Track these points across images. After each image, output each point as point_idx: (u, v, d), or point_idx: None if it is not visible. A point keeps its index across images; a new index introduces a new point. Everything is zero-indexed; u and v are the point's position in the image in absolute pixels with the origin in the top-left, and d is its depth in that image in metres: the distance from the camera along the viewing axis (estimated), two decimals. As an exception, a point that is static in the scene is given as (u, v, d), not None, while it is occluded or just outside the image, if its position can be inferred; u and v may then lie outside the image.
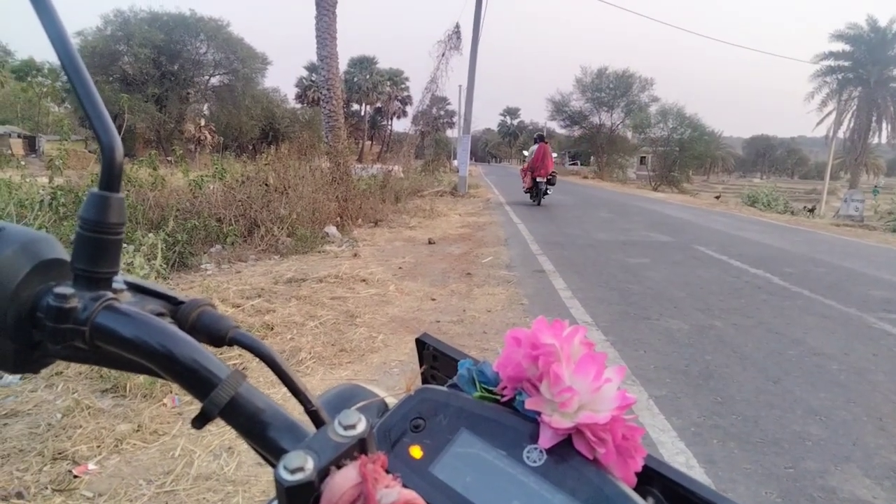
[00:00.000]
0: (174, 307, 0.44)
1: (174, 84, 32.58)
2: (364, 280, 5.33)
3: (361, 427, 0.35)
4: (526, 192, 15.48)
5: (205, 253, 6.15)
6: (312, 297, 4.61)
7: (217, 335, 0.42)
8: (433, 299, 4.89)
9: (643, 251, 8.00)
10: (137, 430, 2.46)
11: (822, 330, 4.43)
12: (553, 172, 14.70)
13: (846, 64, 39.67)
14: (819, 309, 5.08)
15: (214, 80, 35.75)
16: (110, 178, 0.39)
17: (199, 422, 0.38)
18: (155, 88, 31.19)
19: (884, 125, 39.70)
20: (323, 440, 0.34)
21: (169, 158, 9.84)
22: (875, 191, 24.77)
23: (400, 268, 6.12)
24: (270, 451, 0.38)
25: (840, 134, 38.43)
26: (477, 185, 21.91)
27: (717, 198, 27.72)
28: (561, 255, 7.31)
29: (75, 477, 2.10)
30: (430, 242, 7.97)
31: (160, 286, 0.45)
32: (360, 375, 3.24)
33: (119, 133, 0.41)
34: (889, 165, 71.49)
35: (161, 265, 5.17)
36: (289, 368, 0.41)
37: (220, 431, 2.46)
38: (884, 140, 40.70)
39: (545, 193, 14.84)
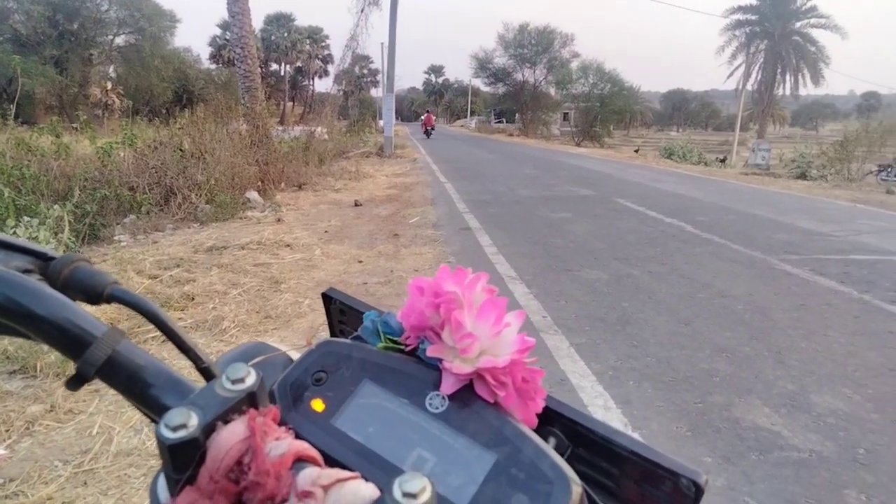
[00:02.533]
0: (44, 263, 0.41)
1: (74, 45, 30.10)
2: (288, 245, 5.23)
3: (251, 381, 0.33)
4: (424, 133, 32.28)
5: (118, 224, 5.84)
6: (235, 265, 4.48)
7: (93, 292, 0.40)
8: (360, 261, 4.86)
9: (566, 206, 8.19)
10: (51, 411, 2.35)
11: (730, 273, 4.70)
12: (433, 125, 33.50)
13: (753, 18, 41.26)
14: (727, 254, 5.38)
15: (119, 40, 33.22)
16: None
17: (74, 383, 0.36)
18: (53, 49, 28.70)
19: (787, 77, 41.81)
20: (209, 395, 0.32)
21: (74, 125, 9.16)
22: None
23: (326, 231, 6.03)
24: (154, 410, 0.36)
25: (749, 86, 40.22)
26: (404, 146, 21.68)
27: (637, 151, 28.57)
28: (487, 213, 7.40)
29: (-19, 464, 1.99)
30: (356, 205, 7.87)
31: (28, 242, 0.42)
32: (286, 341, 3.19)
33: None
34: (793, 116, 75.56)
35: (69, 239, 4.89)
36: (175, 324, 0.40)
37: (140, 407, 2.38)
38: (787, 91, 42.92)
39: (430, 133, 31.80)
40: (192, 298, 3.71)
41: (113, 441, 2.16)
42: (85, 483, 1.93)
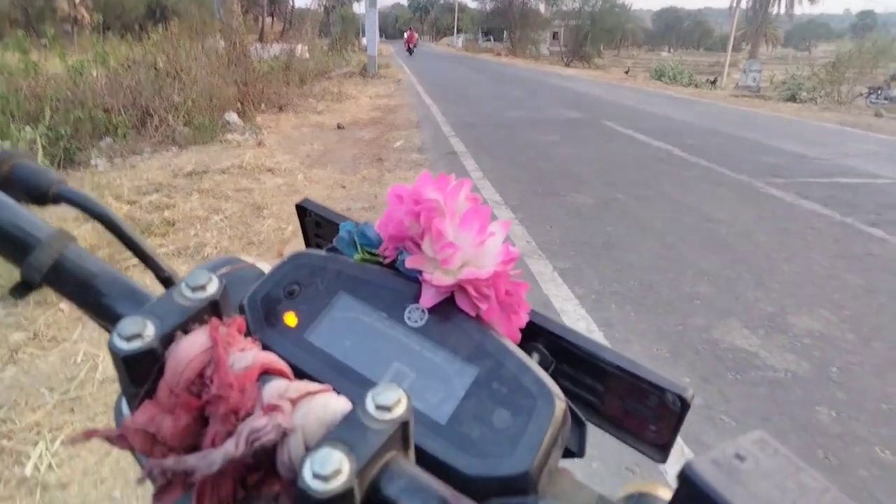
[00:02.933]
0: None
1: (34, -47, 28.32)
2: (270, 170, 5.12)
3: (212, 288, 0.31)
4: (406, 50, 33.03)
5: (94, 147, 5.67)
6: (216, 190, 4.40)
7: (37, 192, 0.37)
8: (343, 186, 4.78)
9: (553, 128, 8.06)
10: (34, 339, 2.34)
11: (716, 197, 4.70)
12: (416, 43, 34.15)
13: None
14: (714, 177, 5.36)
15: (83, -52, 31.28)
16: None
17: (19, 291, 0.33)
18: (11, -42, 27.03)
19: (784, -6, 40.64)
20: (167, 304, 0.30)
21: (42, 41, 8.75)
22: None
23: (308, 155, 5.91)
24: (108, 320, 0.34)
25: (743, 4, 39.05)
26: (388, 65, 21.02)
27: (627, 72, 27.98)
28: (473, 136, 7.26)
29: (-35, 392, 1.99)
30: (339, 127, 7.69)
31: None
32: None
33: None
34: (786, 36, 73.98)
35: (43, 163, 4.75)
36: (131, 229, 0.37)
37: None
38: (782, 10, 41.83)
39: (412, 51, 32.42)
40: (173, 224, 3.65)
41: (98, 368, 2.16)
42: (72, 410, 1.94)
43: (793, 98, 15.31)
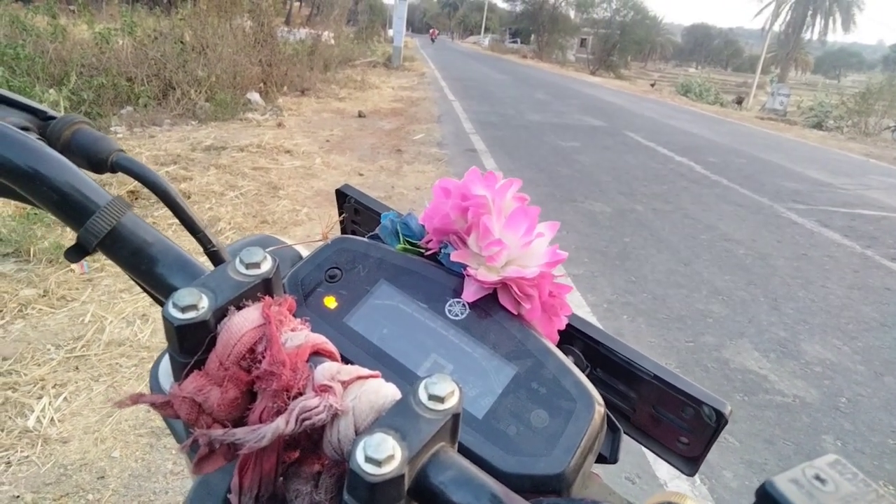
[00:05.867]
0: (43, 123, 0.38)
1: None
2: (289, 151, 5.13)
3: (266, 266, 0.31)
4: (430, 41, 45.82)
5: (114, 115, 5.71)
6: (233, 167, 4.41)
7: (97, 158, 0.37)
8: (361, 174, 4.78)
9: (575, 135, 8.03)
10: (44, 296, 2.36)
11: (735, 217, 4.66)
12: (436, 37, 53.84)
13: (790, -49, 39.29)
14: (734, 197, 5.31)
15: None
16: None
17: (74, 254, 0.34)
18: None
19: (818, 20, 40.28)
20: (221, 278, 0.30)
21: (71, 7, 8.82)
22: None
23: (327, 140, 5.91)
24: (160, 289, 0.34)
25: (777, 27, 38.76)
26: (412, 58, 21.04)
27: (653, 85, 27.83)
28: (494, 135, 7.24)
29: (-27, 343, 2.00)
30: (360, 115, 7.69)
31: (25, 98, 0.39)
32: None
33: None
34: (816, 63, 73.29)
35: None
36: (185, 203, 0.38)
37: (134, 298, 2.39)
38: (815, 36, 41.51)
39: (434, 41, 45.44)
40: (189, 197, 3.66)
41: (105, 330, 2.18)
42: (77, 368, 1.96)
43: (819, 125, 15.16)
